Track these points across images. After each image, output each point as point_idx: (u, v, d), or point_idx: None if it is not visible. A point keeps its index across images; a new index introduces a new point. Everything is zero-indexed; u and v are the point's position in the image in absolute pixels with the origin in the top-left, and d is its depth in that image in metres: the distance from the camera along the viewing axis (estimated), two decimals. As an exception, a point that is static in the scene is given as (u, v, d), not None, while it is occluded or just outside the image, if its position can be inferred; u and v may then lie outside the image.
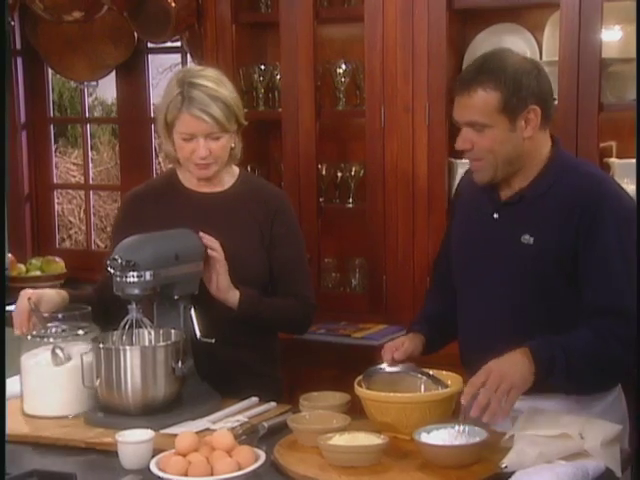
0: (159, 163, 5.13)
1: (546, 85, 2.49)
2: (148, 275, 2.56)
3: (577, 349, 2.36)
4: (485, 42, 3.66)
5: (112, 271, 2.57)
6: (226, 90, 2.80)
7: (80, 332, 2.70)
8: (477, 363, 2.40)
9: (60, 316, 2.72)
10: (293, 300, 2.92)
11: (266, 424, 2.47)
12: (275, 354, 3.01)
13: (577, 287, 2.44)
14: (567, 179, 2.47)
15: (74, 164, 7.01)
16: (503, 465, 2.14)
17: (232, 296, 2.77)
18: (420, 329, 2.72)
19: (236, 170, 2.98)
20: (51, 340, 2.66)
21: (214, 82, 2.78)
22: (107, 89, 5.20)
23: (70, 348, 2.65)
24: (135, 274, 2.55)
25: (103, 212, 6.90)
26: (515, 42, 3.57)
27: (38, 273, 4.73)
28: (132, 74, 4.70)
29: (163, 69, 6.11)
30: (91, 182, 5.30)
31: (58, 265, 4.78)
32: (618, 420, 2.47)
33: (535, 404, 2.40)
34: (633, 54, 3.34)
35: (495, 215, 2.55)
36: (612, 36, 3.45)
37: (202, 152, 2.76)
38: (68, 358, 2.64)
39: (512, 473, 2.11)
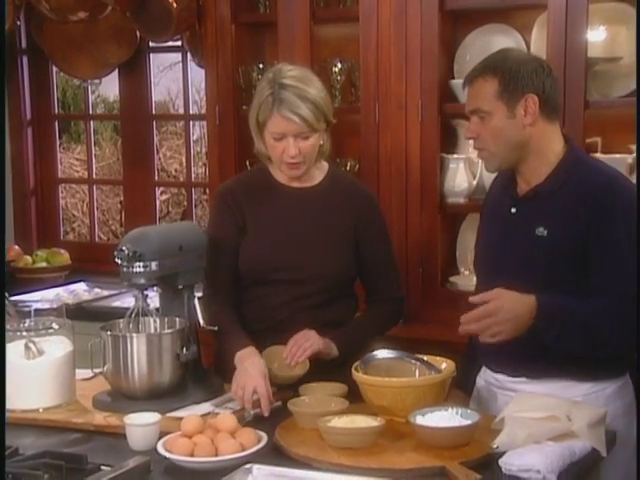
0: (160, 158, 5.21)
1: (548, 80, 2.55)
2: (154, 265, 2.62)
3: (582, 319, 2.43)
4: (475, 42, 3.73)
5: (119, 261, 2.62)
6: (315, 90, 2.78)
7: (55, 326, 2.71)
8: (494, 352, 2.55)
9: (33, 310, 2.74)
10: (381, 307, 2.98)
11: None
12: None
13: (586, 275, 2.49)
14: (580, 176, 2.53)
15: (77, 159, 7.04)
16: (494, 446, 2.21)
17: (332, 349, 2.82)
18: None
19: (325, 165, 2.97)
20: (24, 334, 2.66)
21: (304, 82, 2.77)
22: (109, 87, 5.24)
23: (43, 343, 2.66)
24: (141, 264, 2.61)
25: (105, 206, 6.94)
26: (504, 42, 3.61)
27: (44, 264, 4.78)
28: (134, 72, 4.76)
29: (164, 67, 6.17)
30: (94, 177, 5.35)
31: (63, 257, 4.83)
32: (626, 407, 2.61)
33: (544, 389, 2.52)
34: (617, 54, 3.45)
35: (513, 210, 2.62)
36: (597, 36, 3.50)
37: (292, 151, 2.77)
38: (41, 352, 2.64)
39: (503, 453, 2.18)
